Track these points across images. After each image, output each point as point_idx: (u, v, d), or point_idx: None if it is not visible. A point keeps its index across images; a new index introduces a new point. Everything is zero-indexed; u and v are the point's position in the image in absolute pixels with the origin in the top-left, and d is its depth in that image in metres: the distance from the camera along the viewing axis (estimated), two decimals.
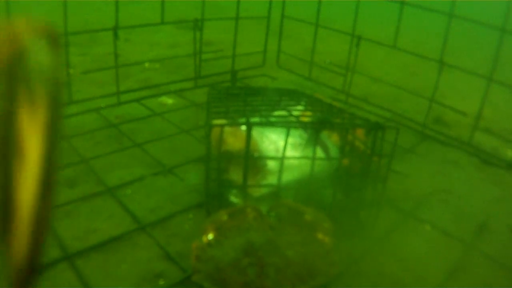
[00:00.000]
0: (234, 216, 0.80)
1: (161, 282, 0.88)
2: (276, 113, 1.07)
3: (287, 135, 0.95)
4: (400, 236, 1.06)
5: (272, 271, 0.77)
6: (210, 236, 0.79)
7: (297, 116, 1.04)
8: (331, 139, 1.11)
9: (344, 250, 0.98)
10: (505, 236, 1.09)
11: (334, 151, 1.05)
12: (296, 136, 1.02)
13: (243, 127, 1.01)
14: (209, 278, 0.78)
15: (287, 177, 0.99)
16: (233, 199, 1.03)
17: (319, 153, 1.00)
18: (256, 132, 1.02)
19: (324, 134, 1.10)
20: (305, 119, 1.06)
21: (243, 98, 1.18)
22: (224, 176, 1.04)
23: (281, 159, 0.96)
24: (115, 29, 1.52)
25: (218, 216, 0.81)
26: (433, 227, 1.10)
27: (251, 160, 0.98)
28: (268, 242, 0.78)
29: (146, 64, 2.19)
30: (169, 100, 1.76)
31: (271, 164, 1.00)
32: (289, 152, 0.99)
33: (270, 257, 0.77)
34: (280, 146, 0.99)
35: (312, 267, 0.79)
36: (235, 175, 1.02)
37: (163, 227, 1.04)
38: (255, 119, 0.98)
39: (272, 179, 0.99)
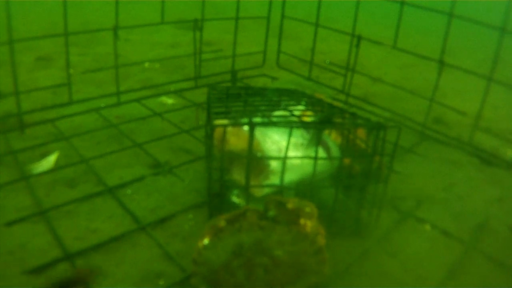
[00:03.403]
0: (233, 221, 0.80)
1: (161, 282, 0.88)
2: (277, 113, 1.07)
3: (290, 135, 0.95)
4: (400, 236, 1.06)
5: (261, 272, 0.76)
6: (206, 241, 0.79)
7: (298, 116, 1.04)
8: (332, 138, 1.11)
9: (344, 250, 0.99)
10: (505, 236, 1.09)
11: (335, 151, 1.05)
12: (298, 136, 1.02)
13: (246, 127, 1.01)
14: (205, 281, 0.78)
15: (289, 177, 0.99)
16: (235, 199, 1.03)
17: (321, 153, 1.00)
18: (258, 132, 1.02)
19: (325, 134, 1.10)
20: (307, 119, 1.06)
21: (244, 98, 1.18)
22: (226, 176, 1.04)
23: (284, 159, 0.96)
24: (115, 29, 1.52)
25: (216, 222, 0.81)
26: (433, 227, 1.10)
27: (254, 160, 0.98)
28: (256, 243, 0.78)
29: (146, 64, 2.19)
30: (169, 100, 1.76)
31: (274, 164, 0.99)
32: (291, 152, 0.99)
33: (258, 258, 0.77)
34: (283, 146, 0.99)
35: (301, 266, 0.79)
36: (238, 175, 1.02)
37: (163, 227, 1.04)
38: (257, 119, 0.98)
39: (274, 179, 0.99)
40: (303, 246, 0.79)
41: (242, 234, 0.78)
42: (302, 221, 0.80)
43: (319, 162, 0.98)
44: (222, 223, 0.80)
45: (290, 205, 0.82)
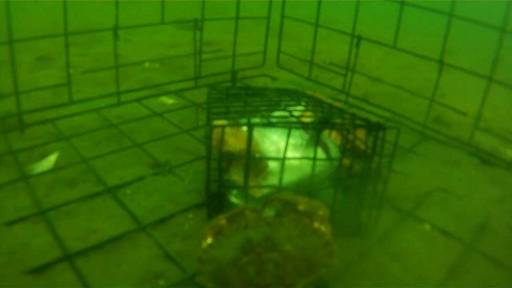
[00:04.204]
0: (232, 220, 0.80)
1: (161, 282, 0.88)
2: (277, 113, 1.07)
3: (288, 135, 0.95)
4: (400, 236, 1.06)
5: (271, 267, 0.76)
6: (209, 241, 0.79)
7: (297, 117, 1.04)
8: (332, 139, 1.11)
9: (344, 250, 0.99)
10: (505, 236, 1.09)
11: (334, 152, 1.05)
12: (297, 137, 1.02)
13: (244, 128, 1.01)
14: (212, 279, 0.78)
15: (288, 177, 0.99)
16: (234, 199, 1.03)
17: (320, 153, 1.00)
18: (257, 133, 1.02)
19: (325, 135, 1.10)
20: (306, 120, 1.06)
21: (243, 98, 1.18)
22: (225, 176, 1.04)
23: (282, 159, 0.96)
24: (115, 29, 1.52)
25: (216, 221, 0.81)
26: (433, 227, 1.10)
27: (252, 160, 0.98)
28: (265, 238, 0.78)
29: (146, 64, 2.19)
30: (169, 100, 1.76)
31: (272, 165, 0.99)
32: (290, 153, 0.99)
33: (268, 253, 0.77)
34: (281, 147, 0.99)
35: (311, 260, 0.79)
36: (236, 175, 1.02)
37: (163, 227, 1.04)
38: (256, 120, 0.98)
39: (273, 180, 0.99)
40: (312, 239, 0.79)
41: (250, 231, 0.78)
42: (316, 224, 0.79)
43: (318, 162, 0.98)
44: (222, 221, 0.80)
45: (301, 207, 0.81)
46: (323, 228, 0.79)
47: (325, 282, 0.83)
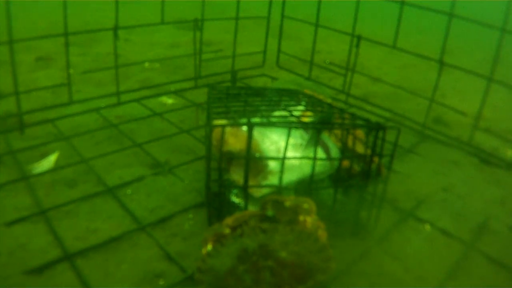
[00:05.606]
0: (236, 228, 0.80)
1: (161, 282, 0.88)
2: (277, 113, 1.07)
3: (288, 135, 0.95)
4: (400, 236, 1.06)
5: (268, 275, 0.76)
6: (209, 247, 0.79)
7: (297, 116, 1.04)
8: (331, 139, 1.11)
9: (344, 250, 0.99)
10: (505, 236, 1.09)
11: (335, 151, 1.05)
12: (297, 137, 1.02)
13: (244, 128, 1.01)
14: None
15: (288, 177, 0.99)
16: (234, 199, 1.03)
17: (320, 153, 1.00)
18: (257, 133, 1.02)
19: (325, 134, 1.10)
20: (306, 119, 1.06)
21: (243, 98, 1.18)
22: (225, 176, 1.04)
23: (282, 159, 0.96)
24: (115, 29, 1.52)
25: (220, 229, 0.80)
26: (433, 227, 1.10)
27: (252, 160, 0.98)
28: (261, 246, 0.78)
29: (146, 64, 2.19)
30: (169, 100, 1.76)
31: (272, 165, 0.99)
32: (290, 153, 0.99)
33: (264, 261, 0.77)
34: (281, 147, 0.99)
35: (308, 266, 0.79)
36: (236, 175, 1.02)
37: (163, 227, 1.04)
38: (256, 120, 0.98)
39: (273, 180, 0.99)
40: (307, 244, 0.79)
41: (245, 239, 0.78)
42: (301, 218, 0.80)
43: (318, 162, 0.98)
44: (226, 230, 0.80)
45: (287, 203, 0.82)
46: (308, 220, 0.80)
47: (324, 283, 0.82)
